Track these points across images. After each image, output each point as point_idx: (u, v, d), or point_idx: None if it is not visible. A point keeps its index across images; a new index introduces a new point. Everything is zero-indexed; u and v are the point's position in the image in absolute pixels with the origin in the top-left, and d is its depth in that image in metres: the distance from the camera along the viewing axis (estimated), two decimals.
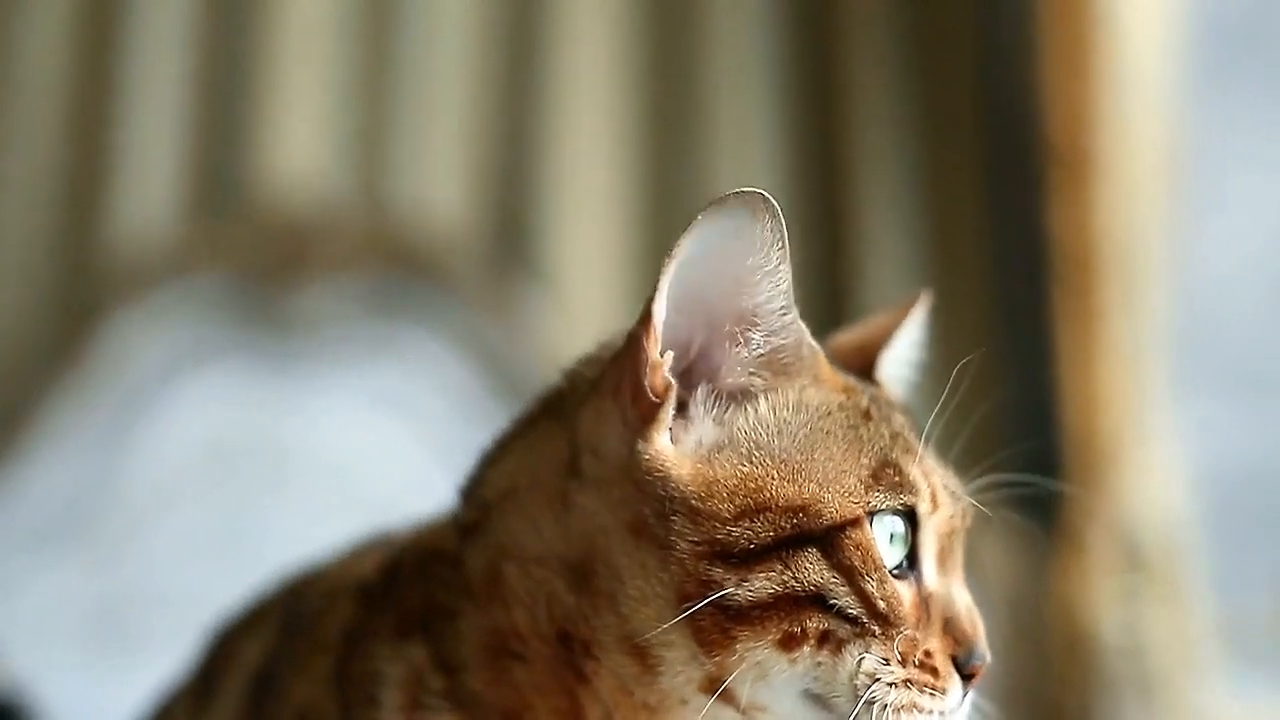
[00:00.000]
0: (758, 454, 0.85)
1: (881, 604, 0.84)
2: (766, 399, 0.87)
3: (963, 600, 0.88)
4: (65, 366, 2.16)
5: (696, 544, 0.83)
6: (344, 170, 2.30)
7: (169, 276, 2.19)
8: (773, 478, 0.84)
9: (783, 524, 0.83)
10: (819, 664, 0.84)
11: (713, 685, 0.84)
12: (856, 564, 0.84)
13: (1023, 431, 2.04)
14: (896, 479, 0.86)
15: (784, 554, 0.83)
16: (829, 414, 0.87)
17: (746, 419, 0.86)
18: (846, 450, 0.86)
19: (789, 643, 0.83)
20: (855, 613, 0.83)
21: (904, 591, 0.85)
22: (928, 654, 0.85)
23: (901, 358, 1.00)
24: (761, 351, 0.87)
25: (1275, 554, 2.18)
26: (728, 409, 0.87)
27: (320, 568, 1.07)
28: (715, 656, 0.83)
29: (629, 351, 0.86)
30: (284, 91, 2.28)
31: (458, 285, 2.20)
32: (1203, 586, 2.07)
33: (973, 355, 0.94)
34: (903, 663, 0.84)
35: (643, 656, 0.85)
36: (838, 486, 0.84)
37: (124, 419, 2.12)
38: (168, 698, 1.14)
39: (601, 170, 2.29)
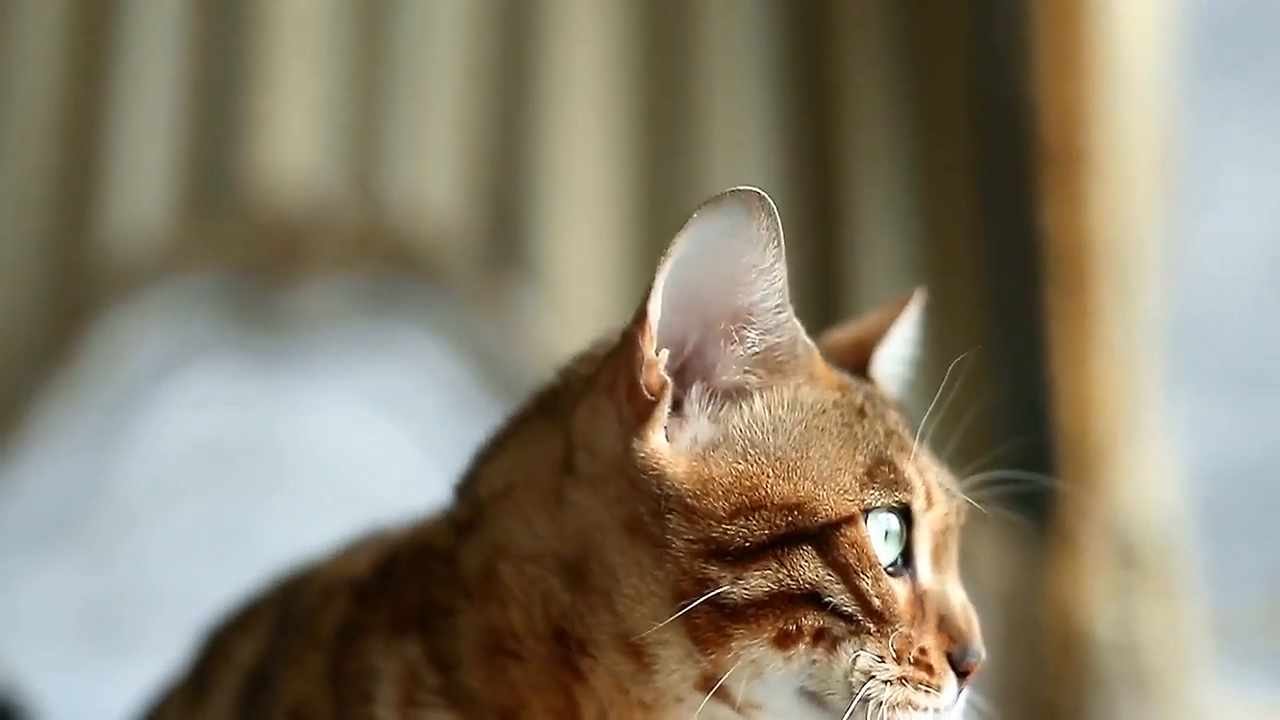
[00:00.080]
0: (753, 452, 0.85)
1: (876, 601, 0.84)
2: (762, 397, 0.87)
3: (958, 597, 0.88)
4: (59, 365, 2.15)
5: (692, 542, 0.83)
6: (338, 168, 2.30)
7: (163, 274, 2.18)
8: (768, 476, 0.84)
9: (778, 522, 0.83)
10: (814, 662, 0.84)
11: (708, 683, 0.84)
12: (851, 562, 0.84)
13: (1017, 429, 2.03)
14: (891, 476, 0.86)
15: (779, 552, 0.83)
16: (824, 412, 0.87)
17: (741, 417, 0.86)
18: (841, 448, 0.86)
19: (784, 640, 0.83)
20: (850, 610, 0.83)
21: (899, 589, 0.85)
22: (923, 651, 0.85)
23: (896, 355, 1.01)
24: (756, 349, 0.87)
25: (1268, 551, 2.18)
26: (723, 407, 0.87)
27: (314, 565, 1.07)
28: (711, 654, 0.84)
29: (624, 349, 0.86)
30: (277, 89, 2.28)
31: (452, 283, 2.20)
32: (1196, 583, 2.08)
33: (967, 353, 0.94)
34: (898, 660, 0.84)
35: (638, 654, 0.85)
36: (833, 484, 0.84)
37: (118, 417, 2.12)
38: (161, 696, 1.14)
39: (596, 168, 2.29)
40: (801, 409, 0.87)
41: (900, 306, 1.01)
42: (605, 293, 2.24)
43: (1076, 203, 2.11)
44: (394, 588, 0.95)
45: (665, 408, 0.85)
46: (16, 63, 2.30)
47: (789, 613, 0.83)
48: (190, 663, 1.11)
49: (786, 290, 0.86)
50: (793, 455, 0.85)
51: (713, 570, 0.83)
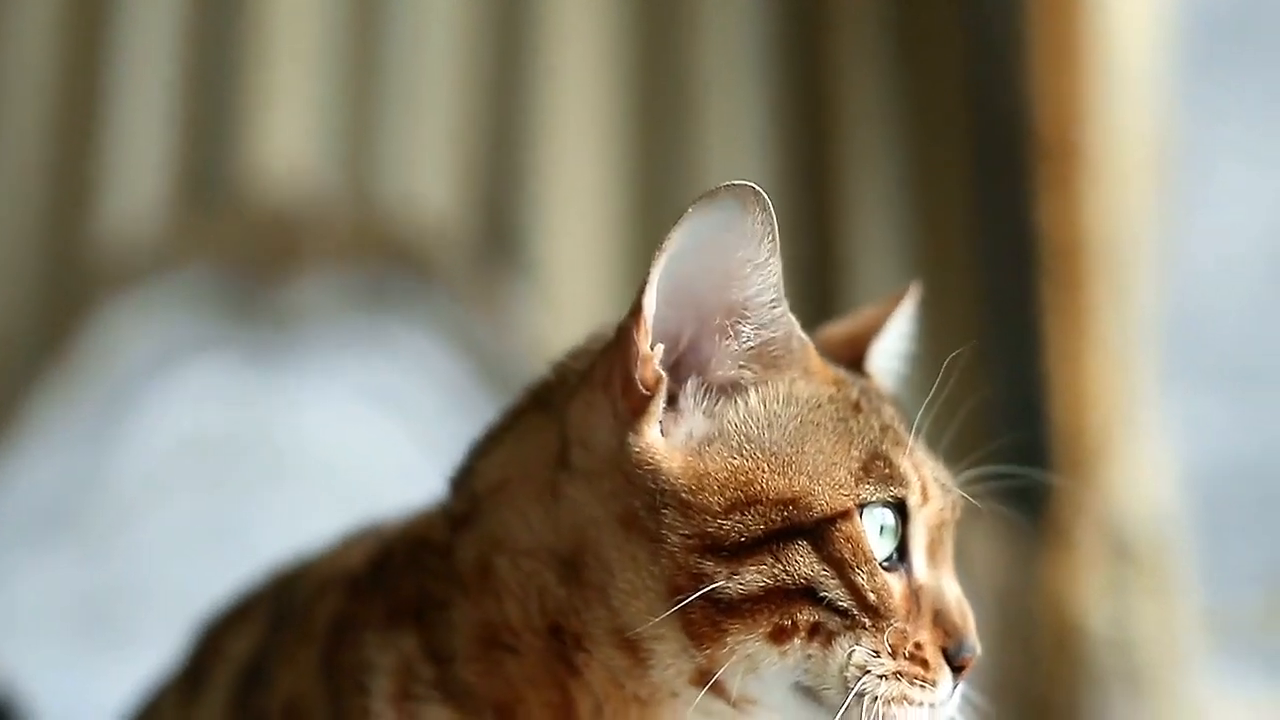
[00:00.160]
0: (748, 447, 0.85)
1: (872, 596, 0.84)
2: (756, 392, 0.87)
3: (953, 592, 0.88)
4: (54, 360, 2.15)
5: (687, 537, 0.83)
6: (332, 164, 2.29)
7: (158, 270, 2.18)
8: (763, 470, 0.84)
9: (773, 517, 0.83)
10: (809, 656, 0.84)
11: (703, 678, 0.84)
12: (847, 556, 0.84)
13: (1012, 424, 2.04)
14: (886, 471, 0.86)
15: (774, 547, 0.83)
16: (819, 406, 0.87)
17: (737, 412, 0.86)
18: (837, 443, 0.86)
19: (779, 635, 0.83)
20: (845, 605, 0.83)
21: (894, 584, 0.85)
22: (918, 646, 0.85)
23: (891, 350, 1.01)
24: (751, 344, 0.87)
25: (1262, 547, 2.18)
26: (718, 402, 0.87)
27: (309, 560, 1.07)
28: (706, 649, 0.83)
29: (619, 344, 0.86)
30: (272, 85, 2.27)
31: (447, 279, 2.20)
32: (1191, 579, 2.08)
33: (962, 348, 0.94)
34: (893, 655, 0.84)
35: (633, 649, 0.85)
36: (828, 479, 0.84)
37: (113, 412, 2.12)
38: (156, 691, 1.13)
39: (590, 164, 2.29)
40: (796, 404, 0.87)
41: (895, 301, 1.00)
42: (600, 288, 2.24)
43: (1071, 199, 2.11)
44: (389, 581, 0.94)
45: (660, 402, 0.85)
46: (12, 58, 2.30)
47: (784, 608, 0.83)
48: (185, 657, 1.11)
49: (781, 285, 0.86)
50: (788, 450, 0.85)
51: (708, 565, 0.83)
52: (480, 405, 1.87)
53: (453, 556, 0.91)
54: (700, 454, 0.85)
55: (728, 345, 0.87)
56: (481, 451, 0.94)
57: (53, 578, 2.05)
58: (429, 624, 0.91)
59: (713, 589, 0.82)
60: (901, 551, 0.87)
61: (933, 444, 0.93)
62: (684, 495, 0.84)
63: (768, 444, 0.85)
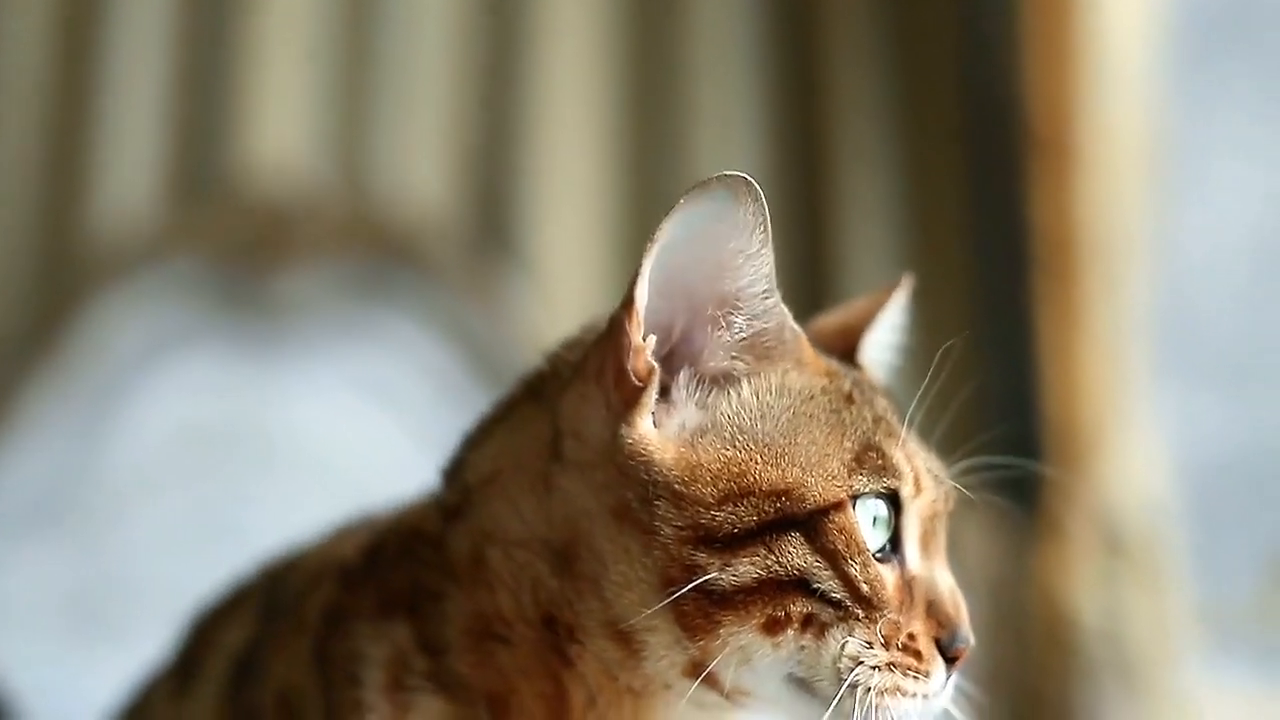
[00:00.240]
0: (741, 438, 0.85)
1: (865, 587, 0.84)
2: (749, 383, 0.87)
3: (946, 583, 0.88)
4: (45, 352, 2.14)
5: (680, 529, 0.83)
6: (325, 154, 2.29)
7: (149, 260, 2.18)
8: (756, 462, 0.84)
9: (766, 508, 0.83)
10: (802, 648, 0.84)
11: (696, 669, 0.84)
12: (840, 548, 0.83)
13: (1004, 416, 2.04)
14: (879, 462, 0.86)
15: (767, 538, 0.83)
16: (812, 398, 0.87)
17: (729, 403, 0.86)
18: (829, 434, 0.86)
19: (772, 627, 0.83)
20: (839, 596, 0.83)
21: (887, 575, 0.85)
22: (911, 637, 0.85)
23: (883, 341, 1.00)
24: (743, 335, 0.87)
25: (1254, 540, 2.19)
26: (710, 393, 0.87)
27: (301, 551, 1.07)
28: (699, 641, 0.83)
29: (611, 335, 0.86)
30: (265, 75, 2.27)
31: (439, 270, 2.19)
32: (1182, 572, 2.08)
33: (955, 339, 0.94)
34: (886, 646, 0.84)
35: (627, 641, 0.85)
36: (821, 470, 0.84)
37: (103, 404, 2.11)
38: (148, 684, 1.13)
39: (583, 155, 2.29)
40: (789, 395, 0.87)
41: (888, 293, 1.00)
42: (593, 279, 2.24)
43: (1064, 192, 2.12)
44: (381, 572, 0.94)
45: (653, 394, 0.85)
46: (3, 51, 2.29)
47: (777, 599, 0.83)
48: (177, 650, 1.10)
49: (774, 276, 0.86)
50: (781, 441, 0.85)
51: (701, 557, 0.83)
52: (473, 396, 1.86)
53: (445, 548, 0.91)
54: (693, 445, 0.85)
55: (720, 336, 0.87)
56: (474, 443, 0.94)
57: (44, 571, 2.05)
58: (422, 615, 0.91)
59: (705, 580, 0.82)
60: (894, 543, 0.86)
61: (925, 435, 0.92)
62: (677, 487, 0.84)
63: (760, 435, 0.85)
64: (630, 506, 0.84)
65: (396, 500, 1.02)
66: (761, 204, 0.84)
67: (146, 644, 1.17)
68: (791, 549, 0.83)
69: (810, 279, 2.21)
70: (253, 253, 2.18)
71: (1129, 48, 2.13)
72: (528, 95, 2.29)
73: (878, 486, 0.85)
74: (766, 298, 0.86)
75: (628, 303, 0.84)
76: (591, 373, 0.87)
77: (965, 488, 0.92)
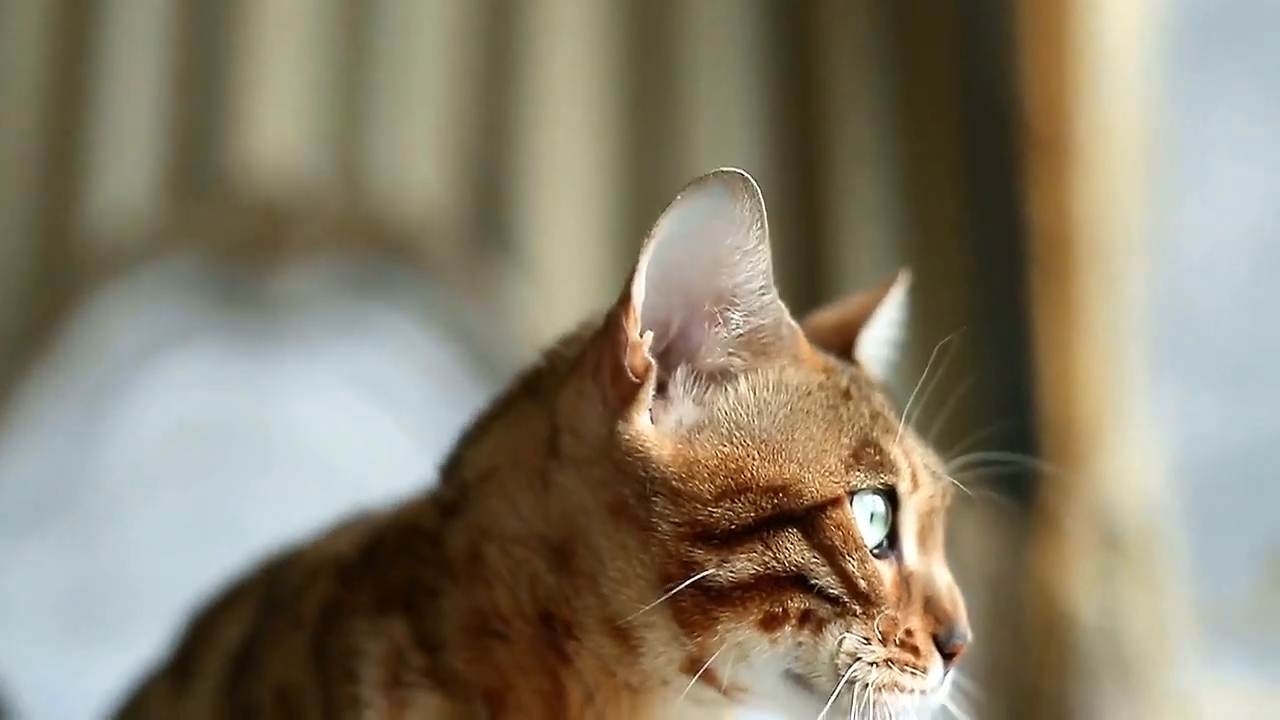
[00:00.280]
0: (738, 434, 0.85)
1: (862, 583, 0.84)
2: (746, 379, 0.87)
3: (943, 579, 0.88)
4: (42, 350, 2.14)
5: (678, 525, 0.83)
6: (322, 151, 2.29)
7: (147, 258, 2.18)
8: (753, 458, 0.84)
9: (763, 504, 0.83)
10: (800, 644, 0.84)
11: (694, 666, 0.84)
12: (837, 544, 0.83)
13: (1001, 412, 2.05)
14: (877, 458, 0.86)
15: (765, 534, 0.83)
16: (809, 394, 0.87)
17: (726, 399, 0.86)
18: (827, 430, 0.86)
19: (770, 623, 0.83)
20: (836, 592, 0.83)
21: (885, 571, 0.85)
22: (909, 633, 0.85)
23: (881, 337, 1.00)
24: (741, 331, 0.87)
25: (1251, 537, 2.19)
26: (708, 389, 0.87)
27: (299, 547, 1.07)
28: (696, 637, 0.83)
29: (608, 332, 0.86)
30: (262, 73, 2.27)
31: (436, 267, 2.19)
32: (1180, 569, 2.08)
33: (952, 336, 0.94)
34: (884, 642, 0.84)
35: (624, 638, 0.85)
36: (818, 466, 0.84)
37: (101, 402, 2.11)
38: (144, 681, 1.13)
39: (580, 152, 2.29)
40: (786, 391, 0.87)
41: (885, 289, 1.00)
42: (590, 276, 2.24)
43: (1062, 190, 2.12)
44: (379, 568, 0.94)
45: (650, 390, 0.85)
46: (1, 48, 2.29)
47: (775, 595, 0.83)
48: (174, 645, 1.10)
49: (770, 272, 0.86)
50: (778, 437, 0.85)
51: (698, 553, 0.83)
52: (470, 393, 1.86)
53: (443, 544, 0.91)
54: (690, 441, 0.85)
55: (717, 332, 0.87)
56: (471, 439, 0.94)
57: (42, 569, 2.05)
58: (419, 611, 0.91)
59: (703, 577, 0.82)
60: (892, 539, 0.86)
61: (923, 431, 0.92)
62: (674, 483, 0.84)
63: (758, 431, 0.85)
64: (628, 503, 0.84)
65: (394, 497, 1.02)
66: (758, 200, 0.84)
67: (144, 642, 1.17)
68: (789, 545, 0.83)
69: (808, 275, 2.21)
70: (251, 251, 2.18)
71: (1127, 47, 2.13)
72: (526, 93, 2.29)
73: (875, 482, 0.85)
74: (764, 294, 0.86)
75: (625, 299, 0.84)
76: (589, 369, 0.87)
77: (963, 484, 0.92)
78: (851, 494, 0.84)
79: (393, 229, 2.21)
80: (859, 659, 0.83)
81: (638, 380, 0.85)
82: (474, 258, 2.24)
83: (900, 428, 0.89)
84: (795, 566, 0.83)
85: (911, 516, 0.87)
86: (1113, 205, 2.11)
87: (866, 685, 0.83)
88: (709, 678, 0.84)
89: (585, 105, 2.30)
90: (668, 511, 0.83)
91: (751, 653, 0.84)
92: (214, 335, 2.15)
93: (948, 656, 0.86)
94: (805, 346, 0.89)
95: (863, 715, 0.83)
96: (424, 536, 0.92)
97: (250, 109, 2.26)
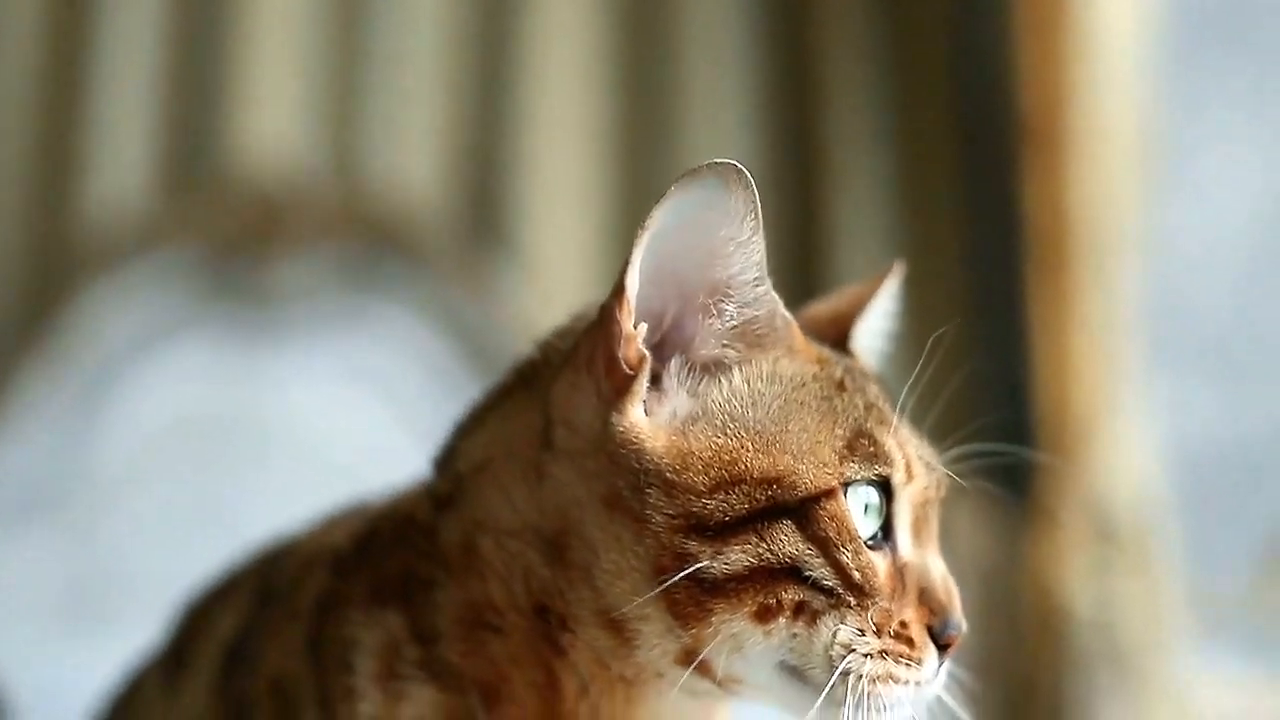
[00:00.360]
0: (732, 426, 0.85)
1: (856, 575, 0.84)
2: (740, 371, 0.87)
3: (938, 570, 0.88)
4: (37, 342, 2.14)
5: (672, 517, 0.83)
6: (317, 143, 2.29)
7: (142, 249, 2.17)
8: (747, 450, 0.84)
9: (757, 496, 0.83)
10: (794, 636, 0.83)
11: (689, 658, 0.84)
12: (831, 535, 0.83)
13: (996, 404, 2.05)
14: (871, 450, 0.86)
15: (759, 526, 0.83)
16: (803, 385, 0.87)
17: (720, 391, 0.86)
18: (821, 421, 0.86)
19: (764, 615, 0.83)
20: (830, 584, 0.83)
21: (879, 562, 0.85)
22: (903, 624, 0.85)
23: (875, 328, 1.00)
24: (735, 323, 0.87)
25: (1245, 529, 2.19)
26: (701, 381, 0.86)
27: (294, 538, 1.06)
28: (691, 629, 0.83)
29: (602, 323, 0.86)
30: (258, 64, 2.27)
31: (431, 258, 2.19)
32: (1174, 560, 2.09)
33: (947, 327, 0.94)
34: (878, 633, 0.84)
35: (619, 630, 0.85)
36: (812, 458, 0.84)
37: (96, 394, 2.11)
38: (138, 671, 1.13)
39: (574, 145, 2.29)
40: (780, 382, 0.87)
41: (879, 280, 1.00)
42: (584, 268, 2.24)
43: (1056, 182, 2.12)
44: (374, 559, 0.94)
45: (644, 382, 0.85)
46: None
47: (769, 587, 0.83)
48: (168, 637, 1.10)
49: (765, 263, 0.86)
50: (772, 429, 0.85)
51: (693, 545, 0.83)
52: (465, 385, 1.87)
53: (437, 536, 0.91)
54: (684, 433, 0.85)
55: (711, 324, 0.87)
56: (465, 431, 0.94)
57: (37, 562, 2.05)
58: (414, 603, 0.90)
59: (697, 569, 0.82)
60: (886, 530, 0.86)
61: (917, 422, 0.92)
62: (668, 475, 0.83)
63: (752, 423, 0.85)
64: (621, 495, 0.84)
65: (389, 488, 1.01)
66: (752, 191, 0.84)
67: (140, 634, 1.17)
68: (783, 536, 0.83)
69: (802, 267, 2.22)
70: (245, 242, 2.18)
71: (1122, 41, 2.13)
72: (520, 85, 2.29)
73: (869, 474, 0.85)
74: (758, 285, 0.86)
75: (619, 290, 0.84)
76: (583, 361, 0.87)
77: (957, 475, 0.91)
78: (846, 485, 0.84)
79: (388, 221, 2.21)
80: (853, 650, 0.83)
81: (631, 372, 0.85)
82: (469, 250, 2.24)
83: (895, 419, 0.88)
84: (789, 558, 0.83)
85: (906, 508, 0.87)
86: (1108, 199, 2.11)
87: (861, 677, 0.83)
88: (703, 669, 0.84)
89: (580, 99, 2.30)
90: (662, 503, 0.83)
91: (746, 644, 0.83)
92: (209, 328, 2.15)
93: (942, 648, 0.86)
94: (799, 338, 0.89)
95: (857, 707, 0.83)
96: (419, 528, 0.92)
97: (246, 101, 2.26)
